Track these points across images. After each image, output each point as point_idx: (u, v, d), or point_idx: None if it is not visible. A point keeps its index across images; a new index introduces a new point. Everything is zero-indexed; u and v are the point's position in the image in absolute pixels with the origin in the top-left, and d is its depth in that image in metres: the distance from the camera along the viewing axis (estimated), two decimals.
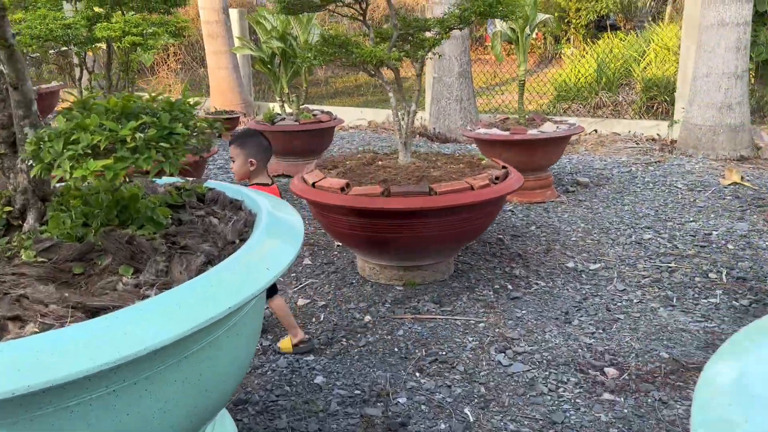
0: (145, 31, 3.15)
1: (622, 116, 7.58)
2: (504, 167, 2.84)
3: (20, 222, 1.31)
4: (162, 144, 1.05)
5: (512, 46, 4.11)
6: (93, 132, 1.02)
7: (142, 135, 1.01)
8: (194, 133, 1.10)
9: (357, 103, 9.61)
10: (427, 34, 3.00)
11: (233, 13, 8.53)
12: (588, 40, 11.14)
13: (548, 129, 3.87)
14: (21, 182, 1.28)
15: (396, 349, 2.28)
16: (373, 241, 2.61)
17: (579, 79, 8.45)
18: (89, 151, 1.01)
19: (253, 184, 2.36)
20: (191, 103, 1.14)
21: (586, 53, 9.11)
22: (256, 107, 8.67)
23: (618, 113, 7.86)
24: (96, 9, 3.38)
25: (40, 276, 1.14)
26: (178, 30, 3.34)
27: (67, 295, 1.08)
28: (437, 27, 2.67)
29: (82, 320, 1.05)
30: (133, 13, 3.39)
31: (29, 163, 1.12)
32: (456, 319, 2.48)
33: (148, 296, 1.12)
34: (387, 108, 8.18)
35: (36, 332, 1.00)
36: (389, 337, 2.37)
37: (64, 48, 3.61)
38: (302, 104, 5.12)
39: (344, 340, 2.36)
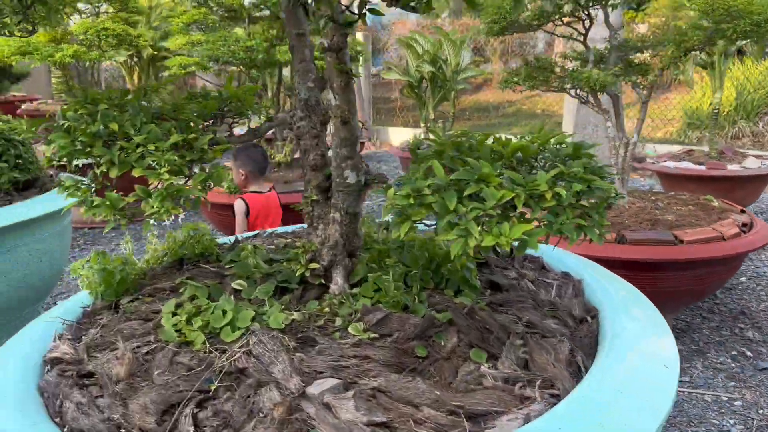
0: None
1: (764, 147, 6.89)
2: (743, 211, 2.43)
3: (321, 281, 1.09)
4: (582, 203, 0.78)
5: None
6: (498, 186, 0.77)
7: (566, 192, 0.75)
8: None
9: (456, 128, 9.29)
10: (639, 55, 2.67)
11: (359, 37, 8.51)
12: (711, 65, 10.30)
13: (752, 165, 3.40)
14: (332, 234, 1.06)
15: None
16: None
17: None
18: (499, 212, 0.76)
19: (246, 193, 2.63)
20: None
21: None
22: (375, 132, 8.57)
23: (759, 144, 7.16)
24: (273, 31, 3.29)
25: (387, 361, 0.90)
26: (356, 54, 3.18)
27: (438, 393, 0.83)
28: (671, 48, 2.33)
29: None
30: None
31: (388, 218, 0.89)
32: (703, 394, 2.09)
33: (530, 399, 0.86)
34: (497, 132, 7.81)
35: None
36: None
37: (233, 68, 3.55)
38: (448, 131, 4.88)
39: None
